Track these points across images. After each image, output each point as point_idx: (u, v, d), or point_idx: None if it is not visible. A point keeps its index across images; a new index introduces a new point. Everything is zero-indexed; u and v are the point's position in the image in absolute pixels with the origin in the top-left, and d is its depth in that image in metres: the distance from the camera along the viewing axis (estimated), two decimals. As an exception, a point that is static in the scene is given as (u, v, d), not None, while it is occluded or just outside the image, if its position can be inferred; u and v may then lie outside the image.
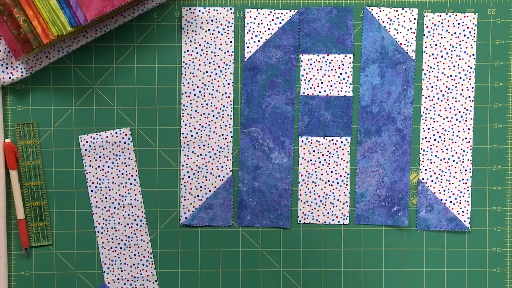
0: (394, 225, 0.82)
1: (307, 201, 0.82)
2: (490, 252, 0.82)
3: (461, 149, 0.81)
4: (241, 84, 0.81)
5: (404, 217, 0.82)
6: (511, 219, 0.82)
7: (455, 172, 0.81)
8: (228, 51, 0.81)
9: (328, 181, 0.82)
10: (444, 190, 0.82)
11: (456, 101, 0.81)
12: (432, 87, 0.81)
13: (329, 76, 0.81)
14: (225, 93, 0.81)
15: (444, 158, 0.81)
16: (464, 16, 0.81)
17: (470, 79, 0.81)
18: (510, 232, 0.82)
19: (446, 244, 0.82)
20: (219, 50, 0.81)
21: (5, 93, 0.81)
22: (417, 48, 0.81)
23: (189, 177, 0.82)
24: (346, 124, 0.81)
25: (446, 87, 0.81)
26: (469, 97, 0.81)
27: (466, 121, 0.81)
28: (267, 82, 0.81)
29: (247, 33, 0.81)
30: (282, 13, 0.81)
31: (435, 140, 0.82)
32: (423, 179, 0.82)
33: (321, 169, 0.82)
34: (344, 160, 0.82)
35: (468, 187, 0.82)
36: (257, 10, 0.81)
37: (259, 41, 0.81)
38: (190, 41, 0.81)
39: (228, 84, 0.81)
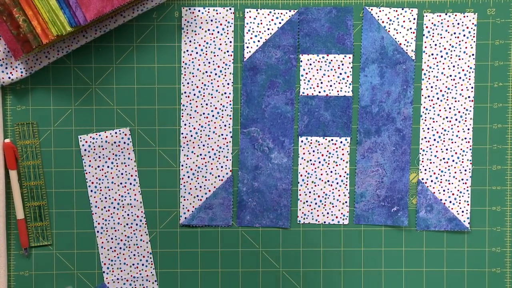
0: (394, 225, 0.82)
1: (307, 201, 0.82)
2: (489, 252, 0.82)
3: (461, 149, 0.81)
4: (241, 84, 0.81)
5: (403, 217, 0.82)
6: (511, 219, 0.82)
7: (455, 172, 0.81)
8: (227, 51, 0.81)
9: (328, 181, 0.82)
10: (444, 190, 0.82)
11: (455, 101, 0.81)
12: (431, 87, 0.81)
13: (328, 76, 0.81)
14: (225, 93, 0.81)
15: (443, 158, 0.81)
16: (464, 16, 0.81)
17: (469, 79, 0.81)
18: (509, 232, 0.82)
19: (445, 244, 0.82)
20: (219, 50, 0.81)
21: (5, 93, 0.81)
22: (416, 48, 0.81)
23: (188, 177, 0.82)
24: (346, 124, 0.81)
25: (446, 87, 0.81)
26: (469, 97, 0.81)
27: (465, 121, 0.81)
28: (266, 82, 0.81)
29: (247, 33, 0.81)
30: (281, 13, 0.81)
31: (434, 140, 0.82)
32: (422, 179, 0.82)
33: (321, 169, 0.82)
34: (343, 160, 0.82)
35: (467, 187, 0.82)
36: (257, 10, 0.81)
37: (258, 41, 0.81)
38: (190, 41, 0.81)
39: (228, 84, 0.81)
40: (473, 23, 0.81)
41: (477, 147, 0.82)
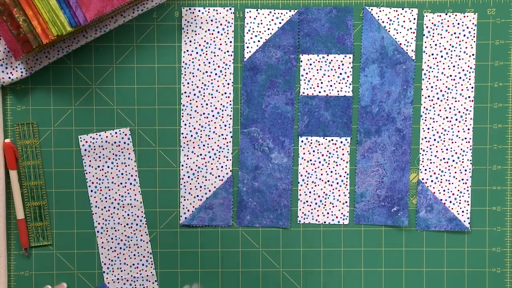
0: (394, 225, 0.82)
1: (307, 201, 0.82)
2: (490, 252, 0.82)
3: (461, 149, 0.81)
4: (241, 84, 0.81)
5: (404, 217, 0.82)
6: (511, 219, 0.82)
7: (455, 172, 0.81)
8: (227, 51, 0.81)
9: (328, 181, 0.82)
10: (444, 190, 0.82)
11: (456, 101, 0.81)
12: (432, 87, 0.81)
13: (329, 76, 0.81)
14: (225, 93, 0.81)
15: (444, 158, 0.81)
16: (464, 16, 0.81)
17: (470, 79, 0.81)
18: (510, 232, 0.82)
19: (446, 244, 0.82)
20: (219, 50, 0.81)
21: (5, 93, 0.81)
22: (417, 48, 0.81)
23: (189, 177, 0.82)
24: (346, 124, 0.81)
25: (446, 87, 0.81)
26: (469, 97, 0.81)
27: (466, 121, 0.81)
28: (267, 82, 0.81)
29: (247, 33, 0.81)
30: (282, 13, 0.81)
31: (435, 140, 0.82)
32: (423, 179, 0.82)
33: (321, 169, 0.82)
34: (344, 160, 0.82)
35: (468, 187, 0.82)
36: (257, 10, 0.81)
37: (259, 41, 0.81)
38: (190, 41, 0.81)
39: (228, 84, 0.81)
40: (473, 23, 0.81)
41: (477, 147, 0.82)
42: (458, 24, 0.81)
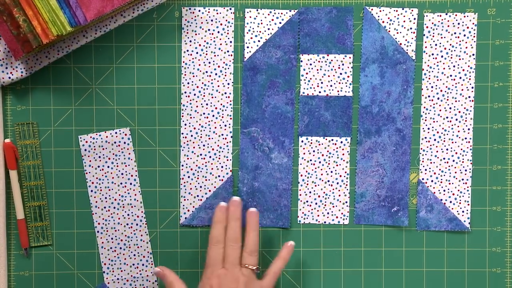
0: (394, 225, 0.82)
1: (307, 201, 0.82)
2: (490, 252, 0.82)
3: (461, 149, 0.81)
4: (241, 84, 0.81)
5: (404, 217, 0.82)
6: (511, 219, 0.82)
7: (455, 172, 0.81)
8: (228, 51, 0.81)
9: (328, 181, 0.82)
10: (444, 190, 0.82)
11: (456, 101, 0.81)
12: (432, 87, 0.81)
13: (329, 76, 0.81)
14: (225, 93, 0.81)
15: (444, 158, 0.81)
16: (464, 16, 0.81)
17: (470, 79, 0.81)
18: (510, 232, 0.82)
19: (446, 244, 0.82)
20: (219, 50, 0.81)
21: (5, 93, 0.81)
22: (417, 48, 0.81)
23: (189, 177, 0.82)
24: (346, 124, 0.81)
25: (446, 87, 0.81)
26: (469, 97, 0.81)
27: (466, 121, 0.81)
28: (267, 82, 0.81)
29: (247, 33, 0.81)
30: (282, 13, 0.81)
31: (435, 140, 0.81)
32: (423, 179, 0.82)
33: (321, 169, 0.82)
34: (344, 160, 0.82)
35: (468, 187, 0.82)
36: (257, 10, 0.81)
37: (259, 41, 0.81)
38: (190, 41, 0.81)
39: (228, 84, 0.81)
40: (473, 23, 0.81)
41: (478, 147, 0.82)
42: (458, 24, 0.81)
